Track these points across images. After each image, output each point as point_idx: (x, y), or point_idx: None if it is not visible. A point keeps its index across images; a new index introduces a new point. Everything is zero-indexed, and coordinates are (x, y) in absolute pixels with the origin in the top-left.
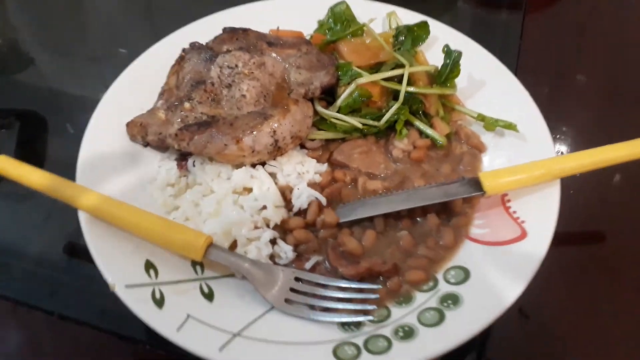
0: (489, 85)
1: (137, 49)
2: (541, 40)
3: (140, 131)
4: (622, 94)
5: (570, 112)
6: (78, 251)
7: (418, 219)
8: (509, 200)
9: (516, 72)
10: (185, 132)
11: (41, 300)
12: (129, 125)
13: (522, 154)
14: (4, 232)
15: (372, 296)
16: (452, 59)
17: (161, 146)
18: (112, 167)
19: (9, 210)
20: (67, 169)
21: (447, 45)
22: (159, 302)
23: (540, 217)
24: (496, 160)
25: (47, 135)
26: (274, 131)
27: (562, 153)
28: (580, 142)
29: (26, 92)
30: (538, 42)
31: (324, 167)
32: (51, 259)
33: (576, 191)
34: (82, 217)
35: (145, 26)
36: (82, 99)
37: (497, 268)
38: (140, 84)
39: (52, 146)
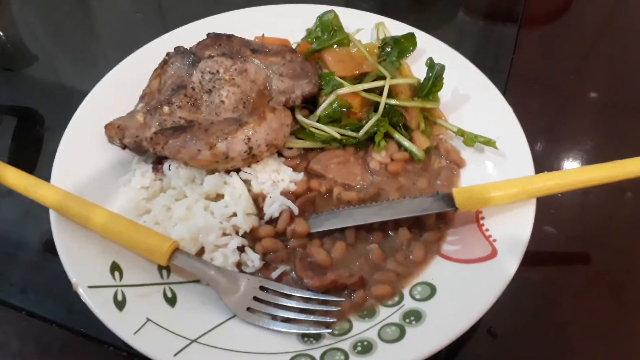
0: (473, 101)
1: None
2: (533, 55)
3: (117, 133)
4: (615, 113)
5: (558, 129)
6: (52, 250)
7: (390, 232)
8: (483, 218)
9: (506, 86)
10: (160, 136)
11: (11, 296)
12: (107, 127)
13: (500, 171)
14: None
15: (334, 309)
16: (435, 72)
17: (138, 149)
18: (88, 168)
19: None
20: None
21: (430, 58)
22: (120, 305)
23: (512, 237)
24: (474, 177)
25: (43, 132)
26: (249, 138)
27: (544, 172)
28: (566, 160)
29: (28, 88)
30: (530, 57)
31: (300, 176)
32: (25, 256)
33: (557, 211)
34: (53, 216)
35: (155, 27)
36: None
37: (464, 286)
38: (123, 86)
39: (47, 143)
